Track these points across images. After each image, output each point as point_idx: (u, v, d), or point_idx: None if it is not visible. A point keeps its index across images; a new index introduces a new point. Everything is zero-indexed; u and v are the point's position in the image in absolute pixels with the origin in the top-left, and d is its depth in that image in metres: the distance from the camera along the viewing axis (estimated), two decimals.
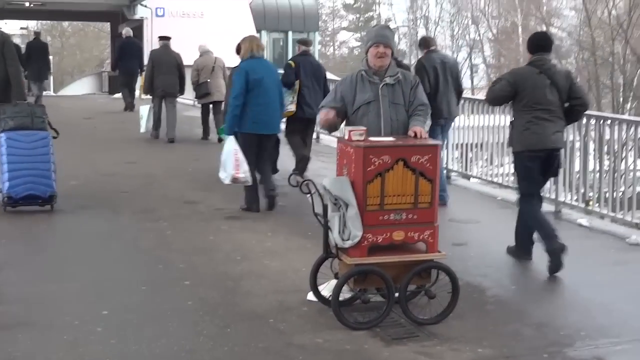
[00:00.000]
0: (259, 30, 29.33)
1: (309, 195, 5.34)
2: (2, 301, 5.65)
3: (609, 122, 8.74)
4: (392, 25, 49.55)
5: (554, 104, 6.57)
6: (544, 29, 39.86)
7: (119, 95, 20.19)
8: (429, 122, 5.77)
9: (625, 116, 15.57)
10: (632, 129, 8.33)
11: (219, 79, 13.95)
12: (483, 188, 9.93)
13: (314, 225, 5.64)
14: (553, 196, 8.80)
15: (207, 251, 7.03)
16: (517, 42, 44.91)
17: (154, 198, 9.24)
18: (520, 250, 6.91)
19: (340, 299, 5.24)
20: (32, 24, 44.06)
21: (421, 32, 53.66)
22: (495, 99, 6.91)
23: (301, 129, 10.51)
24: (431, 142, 5.48)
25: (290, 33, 34.44)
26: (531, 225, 6.80)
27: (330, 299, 5.31)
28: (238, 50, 8.93)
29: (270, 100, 8.52)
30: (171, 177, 10.23)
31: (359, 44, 56.51)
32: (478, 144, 10.97)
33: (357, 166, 5.08)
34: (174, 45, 14.69)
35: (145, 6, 29.77)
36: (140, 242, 7.36)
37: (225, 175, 8.31)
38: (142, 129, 14.58)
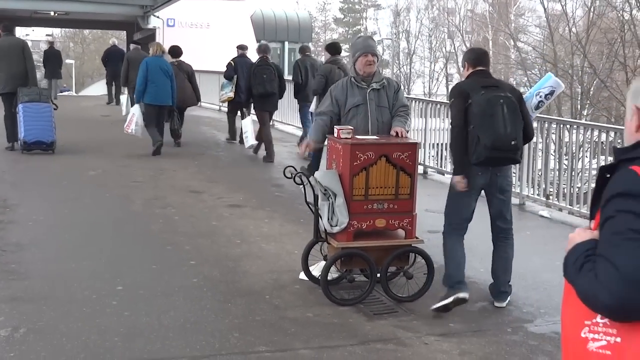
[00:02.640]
0: (258, 40, 29.20)
1: (301, 186, 5.35)
2: (28, 277, 5.64)
3: (568, 126, 8.78)
4: (376, 37, 49.46)
5: None
6: (512, 43, 39.91)
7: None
8: (409, 122, 5.75)
9: (582, 121, 15.61)
10: (588, 132, 8.36)
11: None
12: None
13: (306, 213, 5.66)
14: (518, 190, 8.82)
15: (210, 235, 7.02)
16: (489, 55, 44.81)
17: (163, 187, 9.22)
18: None
19: (329, 278, 5.26)
20: (57, 32, 43.81)
21: (403, 45, 53.70)
22: (316, 86, 9.79)
23: (238, 108, 12.82)
24: (411, 140, 5.48)
25: (286, 43, 34.37)
26: None
27: (319, 278, 5.32)
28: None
29: (161, 83, 11.40)
30: (179, 169, 10.23)
31: (347, 54, 56.37)
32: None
33: (345, 161, 5.08)
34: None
35: (157, 17, 29.66)
36: (151, 226, 7.35)
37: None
38: (124, 113, 15.43)
